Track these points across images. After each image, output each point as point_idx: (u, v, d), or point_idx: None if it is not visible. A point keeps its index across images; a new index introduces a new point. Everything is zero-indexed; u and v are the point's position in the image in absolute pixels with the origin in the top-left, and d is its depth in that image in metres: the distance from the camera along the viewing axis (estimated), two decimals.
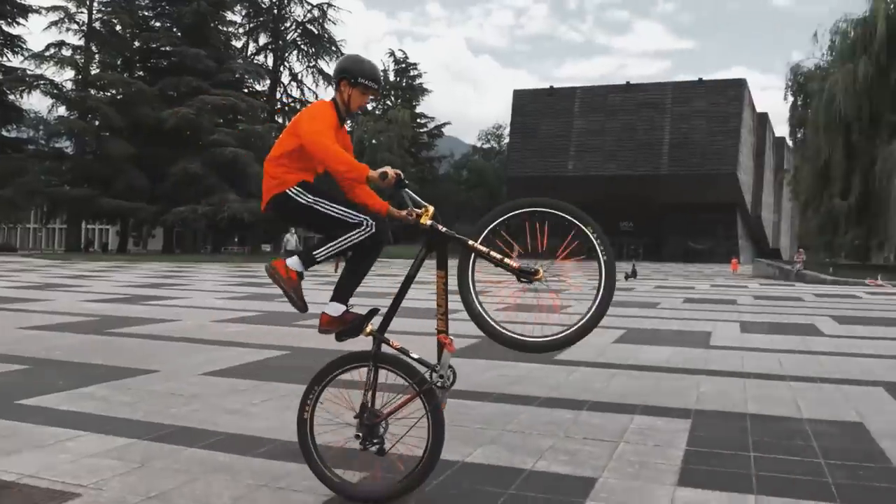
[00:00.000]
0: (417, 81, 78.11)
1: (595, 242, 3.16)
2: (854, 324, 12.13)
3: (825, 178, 35.33)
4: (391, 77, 77.32)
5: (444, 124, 79.52)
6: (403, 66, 78.00)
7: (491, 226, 3.30)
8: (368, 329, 3.46)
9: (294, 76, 60.55)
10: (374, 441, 3.38)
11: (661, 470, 3.96)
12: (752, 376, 6.85)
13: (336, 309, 3.47)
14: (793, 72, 40.27)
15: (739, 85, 65.70)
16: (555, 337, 3.20)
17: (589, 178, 63.74)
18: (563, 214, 3.24)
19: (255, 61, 59.68)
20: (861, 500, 3.56)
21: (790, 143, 48.59)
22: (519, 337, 3.24)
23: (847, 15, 37.22)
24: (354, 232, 3.38)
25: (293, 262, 3.46)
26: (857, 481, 3.85)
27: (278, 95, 60.43)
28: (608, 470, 3.93)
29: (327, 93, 63.22)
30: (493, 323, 3.27)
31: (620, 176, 62.74)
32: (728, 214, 66.60)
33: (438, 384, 3.33)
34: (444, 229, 3.35)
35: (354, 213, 3.41)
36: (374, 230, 3.40)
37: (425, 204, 3.41)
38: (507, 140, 77.70)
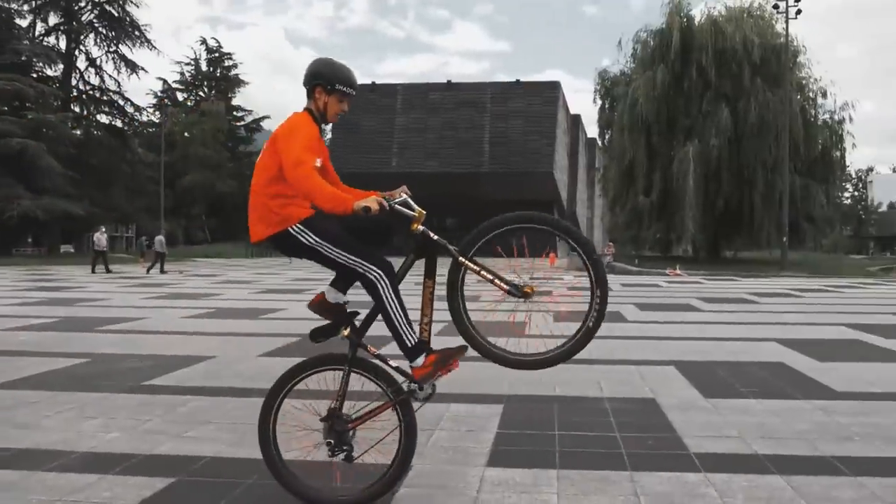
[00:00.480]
0: (233, 72, 75.08)
1: (585, 261, 3.20)
2: (653, 310, 13.31)
3: (630, 176, 38.32)
4: (203, 67, 73.90)
5: (264, 118, 77.12)
6: (217, 55, 74.54)
7: (483, 239, 3.25)
8: (346, 332, 3.37)
9: (92, 62, 55.90)
10: (344, 448, 3.31)
11: (473, 453, 4.19)
12: None
13: (417, 361, 3.28)
14: (600, 76, 43.29)
15: (554, 87, 69.38)
16: (541, 357, 3.28)
17: (412, 175, 64.24)
18: (557, 232, 3.29)
19: (45, 43, 54.54)
20: (648, 466, 3.96)
21: (600, 143, 52.12)
22: (509, 355, 3.29)
23: (647, 26, 40.62)
24: (382, 293, 3.22)
25: (417, 362, 3.26)
26: (647, 450, 4.29)
27: (74, 82, 55.69)
28: (423, 456, 4.08)
29: (131, 82, 58.59)
30: (480, 338, 3.31)
31: (443, 173, 64.16)
32: (546, 210, 69.61)
33: (419, 396, 3.29)
34: (436, 237, 3.27)
35: (359, 260, 3.24)
36: (386, 278, 3.24)
37: (418, 208, 3.26)
38: (328, 135, 77.13)
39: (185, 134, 64.17)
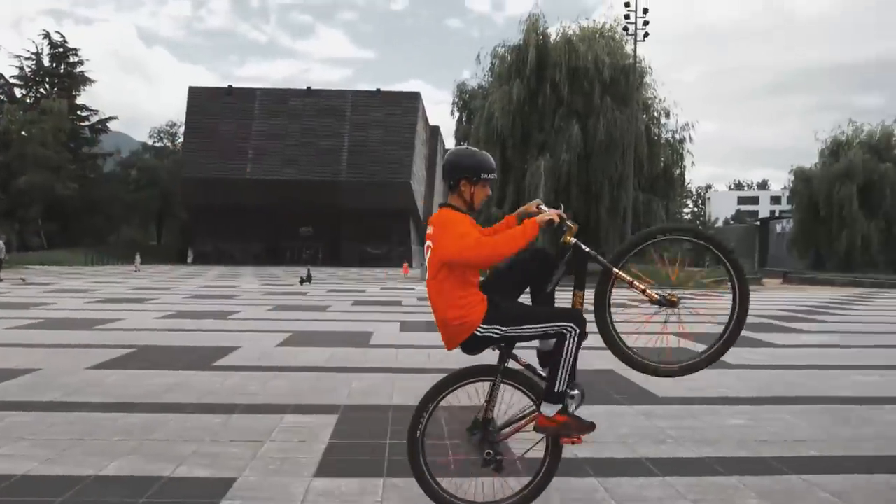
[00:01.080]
0: (78, 69, 70.49)
1: (732, 274, 3.32)
2: None
3: None
4: (46, 62, 68.87)
5: (110, 118, 72.92)
6: (62, 50, 69.68)
7: (632, 252, 3.35)
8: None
9: None
10: (496, 458, 3.36)
11: (302, 463, 4.17)
12: (402, 371, 7.45)
13: (549, 409, 3.31)
14: (459, 89, 44.41)
15: (414, 98, 70.22)
16: (682, 364, 3.41)
17: (268, 182, 63.25)
18: (705, 243, 3.37)
19: None
20: (476, 472, 4.01)
21: None
22: (651, 363, 3.40)
23: (505, 41, 41.92)
24: (566, 346, 3.23)
25: (549, 410, 3.29)
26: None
27: None
28: (250, 468, 4.04)
29: None
30: (625, 348, 3.39)
31: (300, 181, 63.23)
32: (402, 221, 70.63)
33: (570, 406, 3.32)
34: (588, 249, 3.34)
35: (550, 322, 3.25)
36: (579, 332, 3.27)
37: (570, 221, 3.31)
38: (181, 139, 74.07)
39: (23, 132, 59.56)
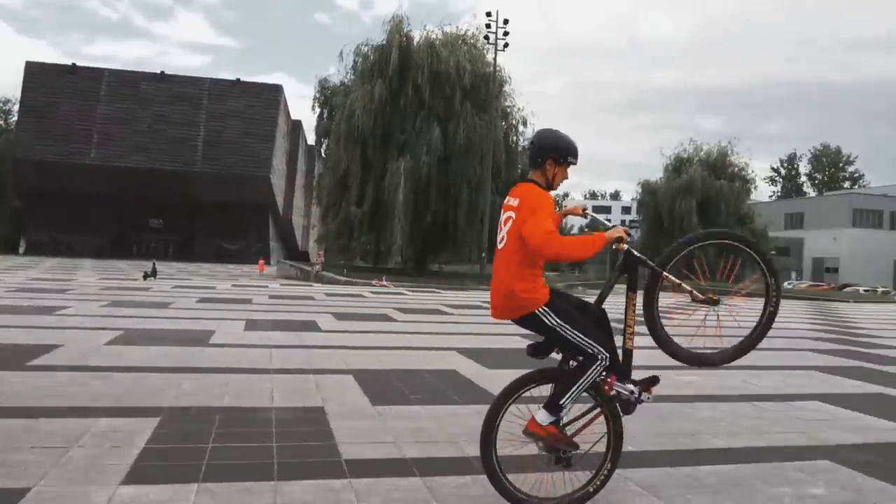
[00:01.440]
0: None
1: (767, 276, 3.77)
2: (350, 320, 13.65)
3: (344, 186, 38.71)
4: None
5: None
6: None
7: (680, 254, 3.70)
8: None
9: None
10: (567, 455, 3.58)
11: (110, 470, 3.92)
12: (239, 372, 7.20)
13: (545, 417, 3.54)
14: (321, 85, 43.67)
15: (276, 90, 68.55)
16: (722, 354, 3.79)
17: (113, 169, 59.74)
18: (748, 248, 3.76)
19: None
20: (296, 475, 3.97)
21: (319, 151, 52.38)
22: (693, 354, 3.75)
23: (369, 40, 41.75)
24: (592, 368, 3.50)
25: (543, 417, 3.53)
26: (300, 458, 4.32)
27: None
28: (49, 477, 3.74)
29: None
30: (671, 342, 3.70)
31: (150, 169, 60.18)
32: (261, 216, 68.76)
33: (632, 399, 3.60)
34: (639, 255, 3.64)
35: (591, 341, 3.51)
36: (607, 363, 3.54)
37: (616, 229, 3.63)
38: (15, 118, 68.62)
39: None
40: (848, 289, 60.18)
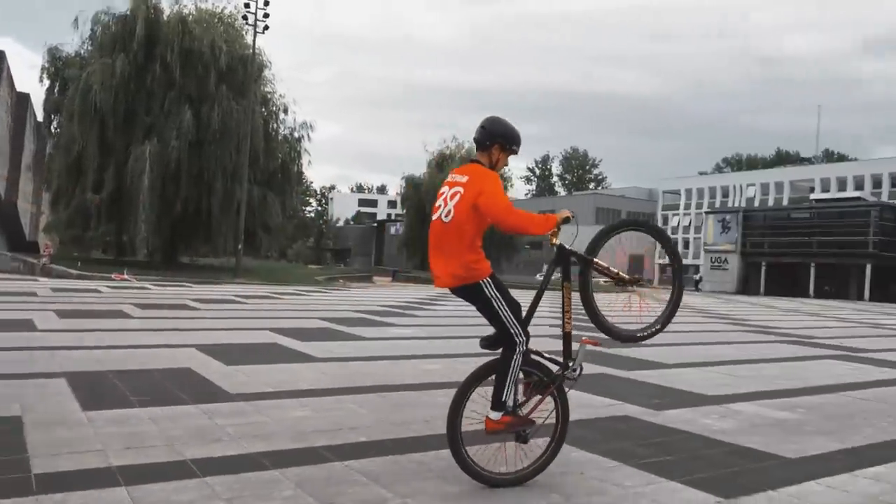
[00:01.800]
0: None
1: (673, 260, 4.67)
2: (77, 317, 12.41)
3: (79, 169, 35.20)
4: None
5: None
6: None
7: (601, 243, 4.22)
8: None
9: None
10: (525, 432, 4.07)
11: None
12: None
13: (496, 415, 3.96)
14: (51, 54, 38.96)
15: None
16: (647, 332, 4.38)
17: None
18: (652, 234, 4.77)
19: None
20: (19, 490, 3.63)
21: (49, 129, 47.17)
22: (630, 332, 4.36)
23: (110, 8, 38.09)
24: (514, 358, 3.92)
25: (495, 415, 3.94)
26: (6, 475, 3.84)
27: None
28: None
29: None
30: (608, 323, 4.26)
31: None
32: None
33: (570, 377, 4.15)
34: (570, 247, 4.13)
35: (515, 321, 3.94)
36: (525, 347, 3.97)
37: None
38: None
39: None
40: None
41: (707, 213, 75.97)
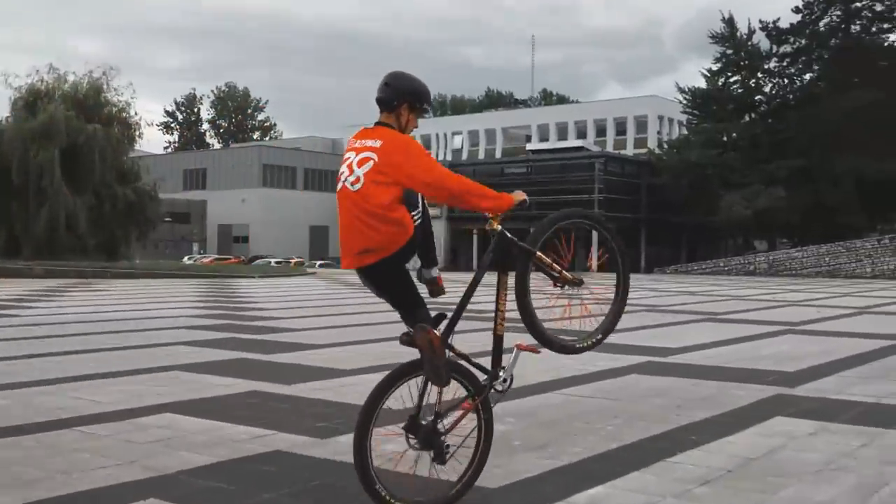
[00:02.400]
0: None
1: (618, 256, 4.94)
2: None
3: None
4: None
5: None
6: None
7: (545, 235, 4.56)
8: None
9: None
10: (441, 452, 4.16)
11: None
12: None
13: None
14: None
15: None
16: (591, 341, 4.83)
17: None
18: (600, 228, 4.98)
19: None
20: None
21: None
22: (568, 343, 4.70)
23: None
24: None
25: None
26: None
27: None
28: None
29: None
30: (542, 329, 4.56)
31: None
32: None
33: (499, 388, 4.39)
34: (510, 236, 4.37)
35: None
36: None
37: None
38: None
39: None
40: (259, 261, 65.75)
41: None
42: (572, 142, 71.46)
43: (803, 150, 57.05)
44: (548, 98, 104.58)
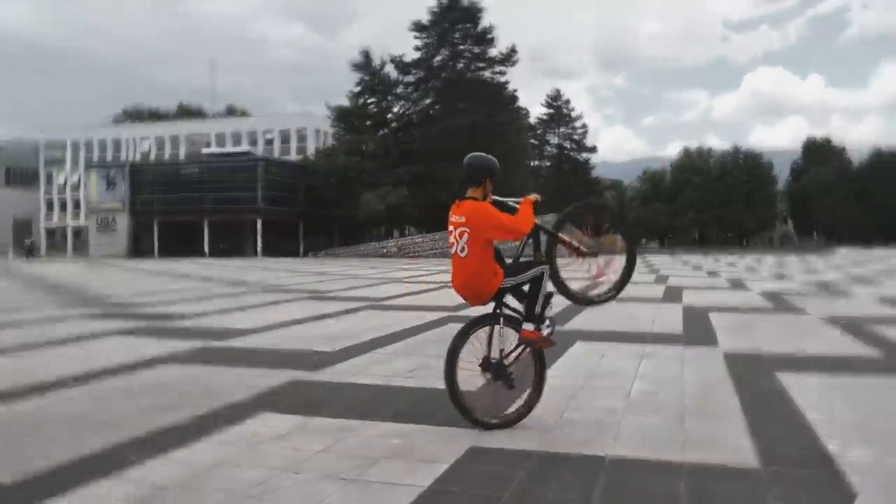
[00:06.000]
0: None
1: (625, 233, 5.66)
2: None
3: None
4: None
5: None
6: None
7: (566, 221, 5.21)
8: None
9: None
10: (511, 379, 4.90)
11: None
12: None
13: (530, 326, 4.88)
14: None
15: None
16: (606, 295, 5.35)
17: None
18: (610, 212, 5.80)
19: None
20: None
21: None
22: (586, 297, 5.39)
23: None
24: (543, 283, 5.09)
25: (529, 327, 5.01)
26: None
27: None
28: None
29: None
30: (568, 287, 5.13)
31: None
32: None
33: (545, 331, 4.86)
34: (540, 223, 4.96)
35: (532, 273, 5.07)
36: (548, 272, 5.02)
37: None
38: None
39: None
40: None
41: (90, 167, 71.67)
42: (243, 147, 67.90)
43: (422, 159, 58.33)
44: (232, 112, 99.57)
